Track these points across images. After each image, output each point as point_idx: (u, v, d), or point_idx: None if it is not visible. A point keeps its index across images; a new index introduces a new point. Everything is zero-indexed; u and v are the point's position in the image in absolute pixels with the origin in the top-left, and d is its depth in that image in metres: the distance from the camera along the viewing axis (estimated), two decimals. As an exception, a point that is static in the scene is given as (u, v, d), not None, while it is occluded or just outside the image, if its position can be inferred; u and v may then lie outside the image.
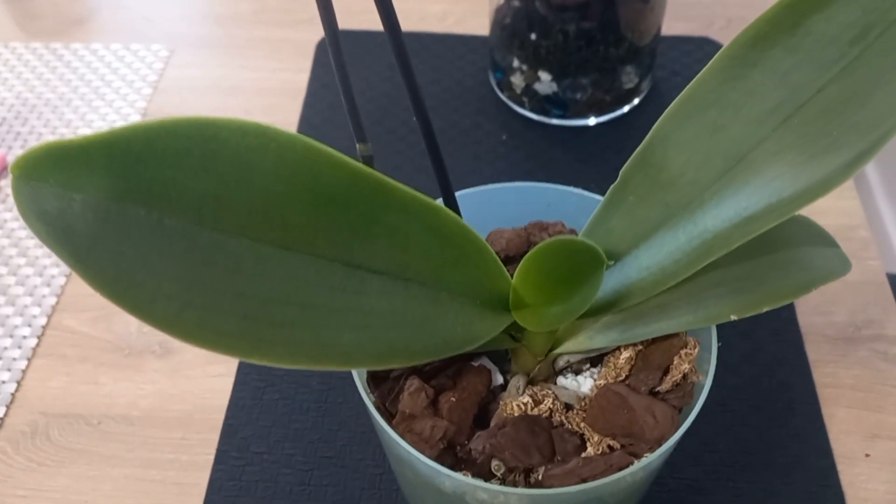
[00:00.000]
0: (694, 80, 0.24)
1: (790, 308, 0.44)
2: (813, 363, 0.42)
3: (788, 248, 0.27)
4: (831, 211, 0.49)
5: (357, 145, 0.25)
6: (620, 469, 0.24)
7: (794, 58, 0.23)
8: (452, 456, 0.26)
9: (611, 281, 0.25)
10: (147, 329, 0.44)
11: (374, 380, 0.28)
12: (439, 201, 0.28)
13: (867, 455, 0.39)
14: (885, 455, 0.39)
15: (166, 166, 0.21)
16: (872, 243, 0.47)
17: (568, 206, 0.31)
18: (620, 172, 0.26)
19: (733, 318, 0.25)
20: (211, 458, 0.39)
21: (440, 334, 0.25)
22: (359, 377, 0.26)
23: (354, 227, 0.23)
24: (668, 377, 0.27)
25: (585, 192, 0.31)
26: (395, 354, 0.24)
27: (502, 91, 0.54)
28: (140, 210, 0.21)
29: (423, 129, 0.26)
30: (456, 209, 0.29)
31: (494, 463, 0.25)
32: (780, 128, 0.23)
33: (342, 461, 0.39)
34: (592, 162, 0.51)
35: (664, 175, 0.25)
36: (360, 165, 0.23)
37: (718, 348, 0.42)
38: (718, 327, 0.43)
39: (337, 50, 0.24)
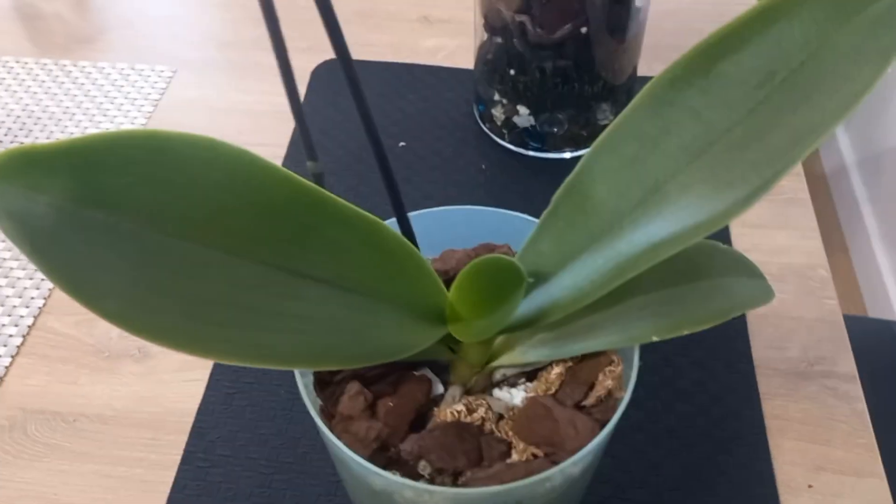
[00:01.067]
0: (620, 114, 0.26)
1: (745, 340, 0.46)
2: (763, 395, 0.44)
3: (713, 277, 0.29)
4: (793, 250, 0.51)
5: (307, 163, 0.28)
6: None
7: (706, 98, 0.25)
8: (385, 457, 0.27)
9: (537, 298, 0.27)
10: (127, 334, 0.46)
11: (320, 384, 0.29)
12: (393, 220, 0.30)
13: (810, 486, 0.40)
14: (827, 487, 0.40)
15: (122, 174, 0.24)
16: (830, 283, 0.48)
17: (515, 230, 0.33)
18: (552, 199, 0.28)
19: (654, 339, 0.27)
20: (178, 458, 0.41)
21: (375, 341, 0.26)
22: (301, 380, 0.28)
23: (295, 237, 0.25)
24: (593, 392, 0.28)
25: (531, 218, 0.32)
26: (331, 358, 0.26)
27: (484, 123, 0.56)
28: (97, 213, 0.23)
29: (375, 152, 0.28)
30: (409, 228, 0.31)
31: (422, 463, 0.27)
32: (692, 163, 0.25)
33: (302, 467, 0.41)
34: (566, 193, 0.53)
35: (589, 202, 0.26)
36: (301, 180, 0.25)
37: (673, 377, 0.44)
38: (673, 356, 0.45)
39: (289, 74, 0.26)
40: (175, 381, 0.44)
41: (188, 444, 0.42)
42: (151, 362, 0.45)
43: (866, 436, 0.42)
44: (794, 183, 0.54)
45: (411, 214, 0.31)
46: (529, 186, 0.54)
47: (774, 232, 0.52)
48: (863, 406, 0.43)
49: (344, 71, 0.27)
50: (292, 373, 0.44)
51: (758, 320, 0.47)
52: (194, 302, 0.24)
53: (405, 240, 0.27)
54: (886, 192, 1.36)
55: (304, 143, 0.27)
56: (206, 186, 0.24)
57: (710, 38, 0.25)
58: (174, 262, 0.24)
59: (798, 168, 0.55)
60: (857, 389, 0.44)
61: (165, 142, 0.24)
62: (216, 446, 0.41)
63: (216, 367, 0.45)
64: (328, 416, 0.29)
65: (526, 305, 0.27)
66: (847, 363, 0.45)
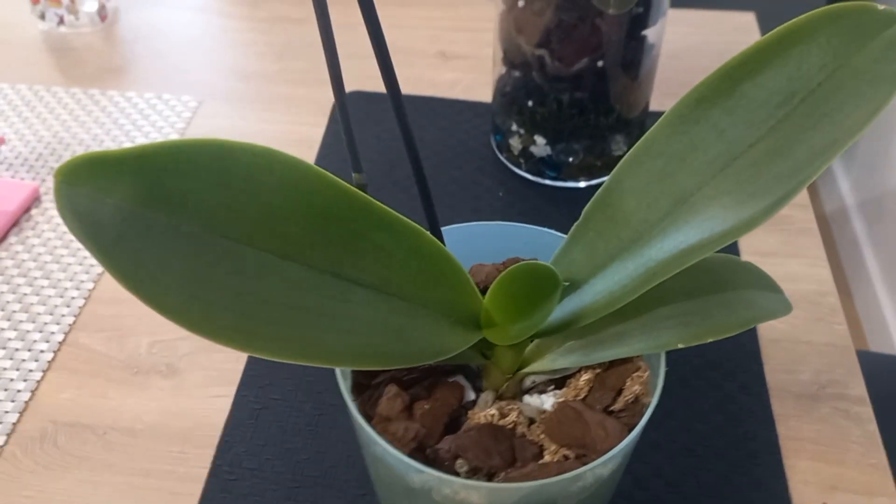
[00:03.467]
0: (647, 132, 0.28)
1: (759, 364, 0.47)
2: (777, 416, 0.45)
3: (736, 289, 0.31)
4: (805, 277, 0.52)
5: (353, 175, 0.29)
6: (571, 474, 0.27)
7: (730, 117, 0.26)
8: (422, 456, 0.29)
9: (570, 304, 0.28)
10: (156, 350, 0.48)
11: (357, 387, 0.31)
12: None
13: (825, 504, 0.41)
14: (841, 506, 0.41)
15: (186, 179, 0.25)
16: (839, 309, 0.50)
17: (542, 245, 0.34)
18: (583, 211, 0.29)
19: (680, 346, 0.28)
20: (206, 471, 0.42)
21: (415, 344, 0.28)
22: (343, 383, 0.29)
23: (344, 242, 0.27)
24: (621, 397, 0.30)
25: (558, 233, 0.34)
26: (374, 358, 0.27)
27: (501, 152, 0.58)
28: (160, 215, 0.25)
29: (414, 167, 0.30)
30: (442, 241, 0.33)
31: (459, 462, 0.28)
32: (717, 176, 0.26)
33: (327, 481, 0.41)
34: (581, 221, 0.54)
35: (619, 214, 0.28)
36: (352, 188, 0.26)
37: (691, 398, 0.45)
38: (689, 378, 0.46)
39: (341, 91, 0.27)
40: (202, 397, 0.45)
41: (216, 457, 0.42)
42: (179, 378, 0.46)
43: (878, 456, 0.43)
44: (802, 214, 0.56)
45: (442, 229, 0.33)
46: (545, 213, 0.55)
47: (784, 260, 0.53)
48: (874, 428, 0.44)
49: (392, 101, 0.29)
50: (318, 389, 0.45)
51: (770, 345, 0.48)
52: (248, 302, 0.25)
53: (444, 248, 0.28)
54: (887, 234, 1.38)
55: (350, 156, 0.29)
56: (262, 192, 0.26)
57: (733, 61, 0.27)
58: (230, 264, 0.25)
59: (806, 200, 0.57)
60: (868, 412, 0.45)
61: (226, 150, 0.25)
62: (243, 460, 0.42)
63: (242, 383, 0.46)
64: (365, 418, 0.30)
65: (559, 310, 0.28)
66: (858, 386, 0.46)
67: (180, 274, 0.25)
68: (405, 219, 0.27)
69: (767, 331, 0.49)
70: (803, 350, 0.48)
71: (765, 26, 0.78)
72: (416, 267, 0.28)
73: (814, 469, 0.42)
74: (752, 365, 0.47)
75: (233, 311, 0.25)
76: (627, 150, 0.56)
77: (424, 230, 0.28)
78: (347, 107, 0.28)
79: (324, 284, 0.26)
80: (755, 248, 0.54)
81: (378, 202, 0.27)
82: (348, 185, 0.26)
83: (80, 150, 0.60)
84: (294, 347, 0.26)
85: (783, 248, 0.54)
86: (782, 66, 0.26)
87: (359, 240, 0.27)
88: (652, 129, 0.28)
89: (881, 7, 0.25)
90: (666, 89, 0.64)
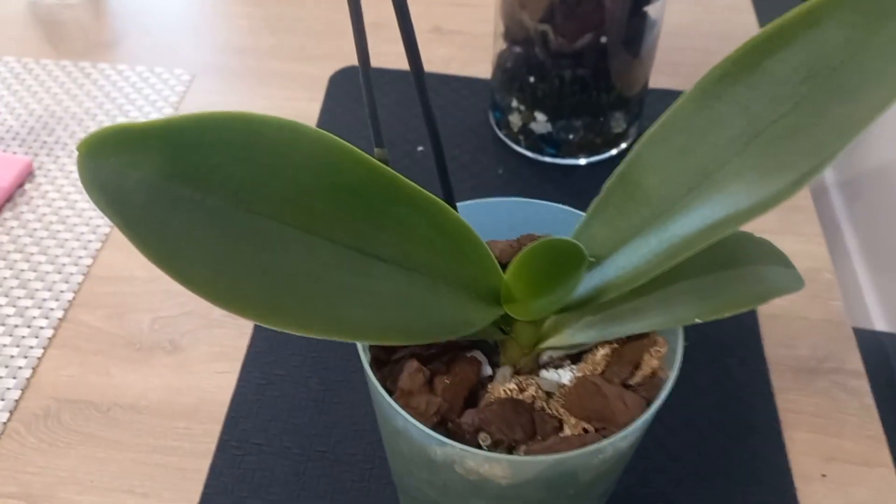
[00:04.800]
0: (669, 109, 0.28)
1: (757, 339, 0.48)
2: (776, 390, 0.45)
3: (749, 265, 0.31)
4: (800, 254, 0.53)
5: (375, 150, 0.29)
6: (592, 446, 0.27)
7: (753, 93, 0.27)
8: (444, 430, 0.29)
9: (591, 279, 0.29)
10: (158, 327, 0.47)
11: (377, 363, 0.31)
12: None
13: (823, 475, 0.42)
14: (840, 476, 0.42)
15: (212, 153, 0.25)
16: (836, 285, 0.51)
17: (556, 221, 0.34)
18: (603, 187, 0.29)
19: (697, 320, 0.29)
20: (213, 447, 0.42)
21: (437, 319, 0.28)
22: (365, 358, 0.29)
23: (368, 216, 0.27)
24: (639, 372, 0.30)
25: (573, 210, 0.34)
26: (397, 332, 0.27)
27: (500, 129, 0.58)
28: (186, 189, 0.25)
29: (433, 144, 0.30)
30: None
31: (481, 435, 0.28)
32: (740, 152, 0.27)
33: (335, 455, 0.42)
34: (580, 198, 0.54)
35: (640, 190, 0.28)
36: (377, 163, 0.26)
37: (691, 372, 0.45)
38: (690, 353, 0.46)
39: (366, 65, 0.27)
40: (206, 373, 0.45)
41: (223, 433, 0.42)
42: (182, 355, 0.46)
43: (874, 428, 0.44)
44: (798, 191, 0.56)
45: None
46: (545, 190, 0.56)
47: (781, 237, 0.54)
48: (870, 401, 0.45)
49: (414, 79, 0.28)
50: (323, 365, 0.45)
51: (769, 321, 0.49)
52: (274, 276, 0.25)
53: (466, 223, 0.28)
54: (866, 213, 1.40)
55: (372, 130, 0.29)
56: (289, 167, 0.25)
57: (757, 38, 0.27)
58: (257, 238, 0.25)
59: (800, 178, 0.58)
60: (864, 385, 0.46)
61: (253, 123, 0.25)
62: (250, 435, 0.42)
63: (247, 359, 0.46)
64: (386, 392, 0.30)
65: (581, 286, 0.28)
66: (854, 360, 0.47)
67: (206, 248, 0.25)
68: (429, 194, 0.27)
69: (765, 306, 0.49)
70: (801, 325, 0.49)
71: (759, 5, 0.78)
72: (438, 243, 0.28)
73: (812, 441, 0.43)
74: (751, 340, 0.48)
75: (258, 285, 0.25)
76: (627, 128, 0.56)
77: (445, 205, 0.28)
78: (372, 83, 0.28)
79: (348, 259, 0.26)
80: (751, 225, 0.54)
81: (402, 177, 0.27)
82: (374, 160, 0.26)
83: (72, 125, 0.59)
84: (319, 322, 0.26)
85: (779, 226, 0.54)
86: (806, 43, 0.26)
87: (382, 215, 0.27)
88: (674, 105, 0.28)
89: (905, -16, 0.26)
90: (661, 68, 0.65)
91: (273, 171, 0.25)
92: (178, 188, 0.25)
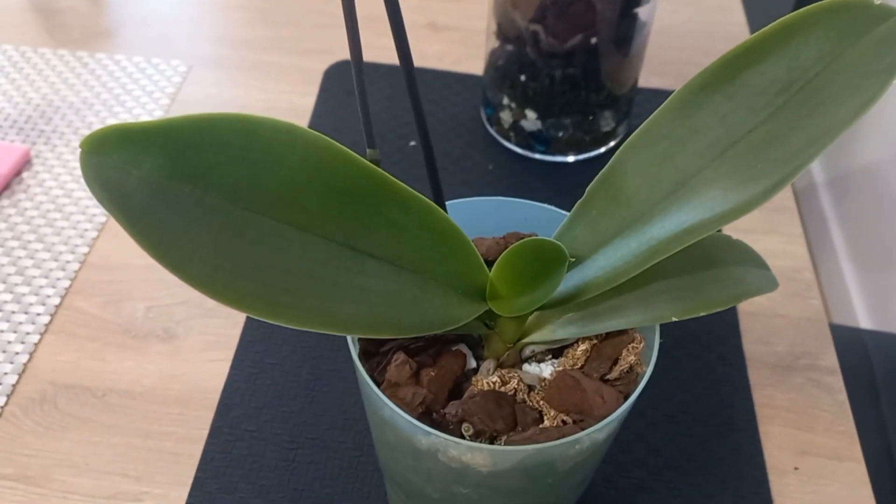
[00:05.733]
0: (650, 116, 0.29)
1: (737, 336, 0.49)
2: (753, 386, 0.47)
3: (726, 266, 0.32)
4: (781, 254, 0.54)
5: (367, 150, 0.30)
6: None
7: (731, 103, 0.28)
8: (429, 420, 0.30)
9: (572, 278, 0.30)
10: (152, 315, 0.48)
11: (366, 354, 0.32)
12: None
13: (796, 468, 0.43)
14: (812, 469, 0.43)
15: (211, 153, 0.26)
16: (815, 285, 0.52)
17: (542, 220, 0.36)
18: (586, 190, 0.31)
19: (674, 319, 0.30)
20: (205, 432, 0.43)
21: (426, 314, 0.29)
22: (354, 350, 0.31)
23: (360, 216, 0.28)
24: (617, 367, 0.31)
25: (558, 209, 0.35)
26: (387, 326, 0.28)
27: (492, 126, 0.59)
28: (186, 187, 0.26)
29: (423, 144, 0.31)
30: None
31: (464, 426, 0.29)
32: (717, 160, 0.28)
33: (325, 443, 0.43)
34: (569, 195, 0.55)
35: (622, 194, 0.29)
36: (369, 164, 0.27)
37: (672, 368, 0.47)
38: (671, 349, 0.48)
39: (359, 68, 0.28)
40: (200, 361, 0.46)
41: (215, 419, 0.44)
42: (176, 342, 0.47)
43: (846, 424, 0.45)
44: (781, 192, 0.58)
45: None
46: (534, 187, 0.57)
47: (763, 237, 0.55)
48: (843, 397, 0.47)
49: (405, 74, 0.29)
50: (313, 355, 0.46)
51: (748, 318, 0.50)
52: (270, 272, 0.27)
53: (454, 223, 0.29)
54: (853, 211, 1.42)
55: (364, 131, 0.30)
56: (284, 167, 0.26)
57: (735, 51, 0.28)
58: (253, 235, 0.26)
59: (784, 178, 0.59)
60: (838, 382, 0.47)
61: (250, 125, 0.26)
62: (242, 422, 0.44)
63: (239, 348, 0.47)
64: (374, 383, 0.31)
65: (562, 285, 0.29)
66: (829, 358, 0.48)
67: (205, 244, 0.26)
68: (418, 194, 0.28)
69: (745, 304, 0.51)
70: (779, 323, 0.50)
71: (749, 5, 0.79)
72: (427, 241, 0.29)
73: (787, 435, 0.45)
74: (731, 337, 0.49)
75: (254, 280, 0.26)
76: (616, 126, 0.57)
77: (435, 206, 0.29)
78: (365, 84, 0.29)
79: (340, 256, 0.28)
80: (734, 225, 0.55)
81: (393, 178, 0.28)
82: (366, 162, 0.27)
83: (70, 114, 0.60)
84: (312, 316, 0.27)
85: (762, 226, 0.56)
86: (782, 56, 0.27)
87: (374, 214, 0.28)
88: (655, 113, 0.29)
89: (876, 2, 0.27)
90: (651, 67, 0.66)
91: (269, 170, 0.26)
92: (178, 186, 0.26)
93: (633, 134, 0.30)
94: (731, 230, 0.55)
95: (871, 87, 0.26)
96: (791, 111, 0.27)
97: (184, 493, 0.41)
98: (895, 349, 0.82)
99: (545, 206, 0.36)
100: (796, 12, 0.27)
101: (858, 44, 0.27)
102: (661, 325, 0.31)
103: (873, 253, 1.34)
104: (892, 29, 0.27)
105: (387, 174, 0.28)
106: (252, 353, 0.47)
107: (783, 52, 0.27)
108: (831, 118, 0.27)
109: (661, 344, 0.31)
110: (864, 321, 1.31)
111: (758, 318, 0.50)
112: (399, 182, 0.28)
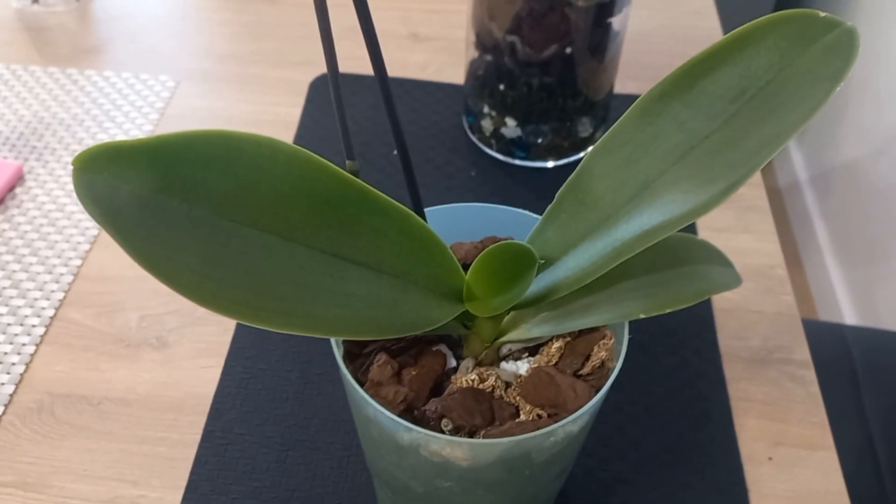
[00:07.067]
0: (615, 123, 0.31)
1: (712, 332, 0.51)
2: (729, 380, 0.49)
3: (692, 264, 0.34)
4: (754, 252, 0.56)
5: (346, 162, 0.32)
6: (545, 430, 0.30)
7: (689, 110, 0.30)
8: (410, 417, 0.31)
9: (544, 279, 0.31)
10: (145, 324, 0.50)
11: (349, 356, 0.33)
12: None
13: (770, 459, 0.45)
14: (785, 459, 0.45)
15: (197, 168, 0.27)
16: (787, 281, 0.54)
17: (518, 224, 0.37)
18: (556, 195, 0.32)
19: (642, 316, 0.32)
20: (198, 437, 0.45)
21: (406, 316, 0.30)
22: (338, 352, 0.32)
23: (342, 225, 0.29)
24: (589, 362, 0.33)
25: (532, 214, 0.37)
26: (369, 329, 0.30)
27: (473, 133, 0.61)
28: (174, 201, 0.27)
29: (401, 154, 0.33)
30: (425, 220, 0.35)
31: (444, 421, 0.31)
32: (677, 164, 0.30)
33: (315, 444, 0.44)
34: (549, 198, 0.57)
35: (589, 198, 0.31)
36: (349, 175, 0.29)
37: (649, 364, 0.48)
38: (649, 345, 0.49)
39: (336, 82, 0.30)
40: (192, 368, 0.48)
41: (207, 424, 0.45)
42: (168, 351, 0.49)
43: (819, 415, 0.47)
44: (754, 191, 0.60)
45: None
46: (515, 192, 0.58)
47: (736, 235, 0.57)
48: (816, 389, 0.48)
49: (380, 84, 0.31)
50: (303, 359, 0.48)
51: (723, 314, 0.52)
52: (256, 280, 0.28)
53: (431, 230, 0.31)
54: (837, 207, 1.44)
55: (343, 144, 0.31)
56: (267, 180, 0.28)
57: (693, 60, 0.30)
58: (240, 245, 0.28)
59: (758, 178, 0.61)
60: (811, 375, 0.49)
61: (233, 140, 0.28)
62: (233, 426, 0.45)
63: (230, 354, 0.48)
64: (358, 383, 0.32)
65: (535, 285, 0.31)
66: (802, 352, 0.50)
67: (193, 255, 0.27)
68: (397, 203, 0.30)
69: (720, 301, 0.52)
70: (753, 318, 0.52)
71: (723, 10, 0.81)
72: (406, 247, 0.30)
73: (761, 427, 0.47)
74: (706, 332, 0.51)
75: (242, 288, 0.28)
76: (593, 132, 0.59)
77: (414, 213, 0.30)
78: (342, 98, 0.31)
79: (324, 264, 0.29)
80: (709, 224, 0.58)
81: (372, 188, 0.29)
82: (346, 173, 0.29)
83: (61, 130, 0.61)
84: (298, 320, 0.28)
85: (736, 224, 0.57)
86: (735, 65, 0.29)
87: (355, 223, 0.29)
88: (619, 120, 0.31)
89: (822, 14, 0.29)
90: (627, 72, 0.68)
91: (253, 184, 0.28)
92: (167, 200, 0.27)
93: (599, 141, 0.31)
94: (706, 229, 0.57)
95: (818, 92, 0.28)
96: (745, 117, 0.29)
97: (179, 495, 0.42)
98: (875, 343, 0.84)
99: (521, 210, 0.37)
100: (749, 24, 0.29)
101: (807, 52, 0.28)
102: (639, 322, 0.33)
103: (857, 249, 1.36)
104: (837, 38, 0.28)
105: (366, 185, 0.29)
106: (243, 358, 0.48)
107: (737, 61, 0.29)
108: (783, 122, 0.28)
109: (639, 340, 0.33)
110: (850, 316, 1.33)
111: (732, 313, 0.52)
112: (377, 192, 0.30)
